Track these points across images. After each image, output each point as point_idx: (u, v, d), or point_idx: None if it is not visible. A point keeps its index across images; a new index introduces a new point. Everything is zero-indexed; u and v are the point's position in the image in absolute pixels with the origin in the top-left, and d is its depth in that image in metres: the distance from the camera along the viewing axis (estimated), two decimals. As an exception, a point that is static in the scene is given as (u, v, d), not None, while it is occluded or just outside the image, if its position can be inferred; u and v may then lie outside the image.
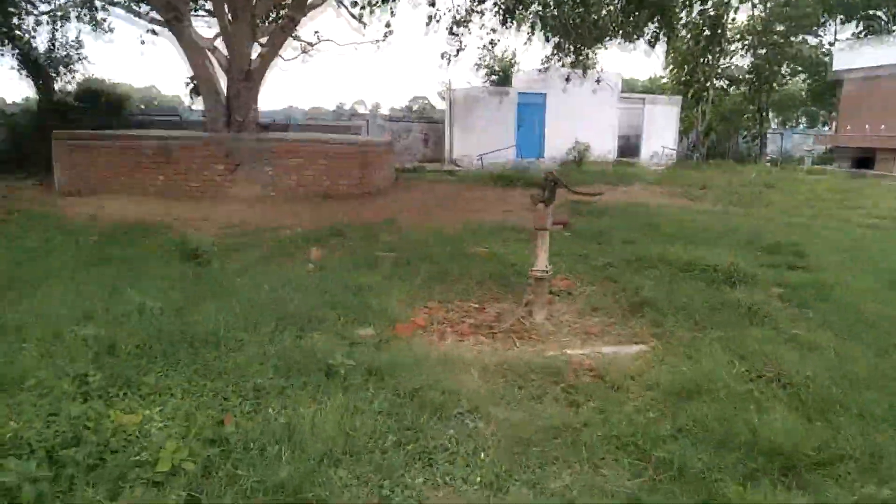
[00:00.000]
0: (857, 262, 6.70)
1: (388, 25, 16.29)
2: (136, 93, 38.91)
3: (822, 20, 25.51)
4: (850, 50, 21.85)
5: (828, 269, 6.25)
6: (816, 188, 15.11)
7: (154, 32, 16.12)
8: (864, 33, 28.50)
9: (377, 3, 15.01)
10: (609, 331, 4.68)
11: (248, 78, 11.93)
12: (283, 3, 12.74)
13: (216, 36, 13.17)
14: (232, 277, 5.48)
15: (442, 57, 14.17)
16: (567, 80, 16.87)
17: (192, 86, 16.37)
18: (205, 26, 18.35)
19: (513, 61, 25.01)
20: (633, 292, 5.30)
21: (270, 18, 14.25)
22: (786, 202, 12.80)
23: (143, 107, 21.98)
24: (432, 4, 15.00)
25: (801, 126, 41.17)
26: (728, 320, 4.60)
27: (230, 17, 11.97)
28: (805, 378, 3.50)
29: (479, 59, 24.08)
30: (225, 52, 12.50)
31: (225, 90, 12.40)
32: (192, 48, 11.71)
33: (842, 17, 28.21)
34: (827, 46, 27.91)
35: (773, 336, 4.26)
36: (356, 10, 13.19)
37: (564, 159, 21.23)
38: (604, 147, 22.58)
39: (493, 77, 25.47)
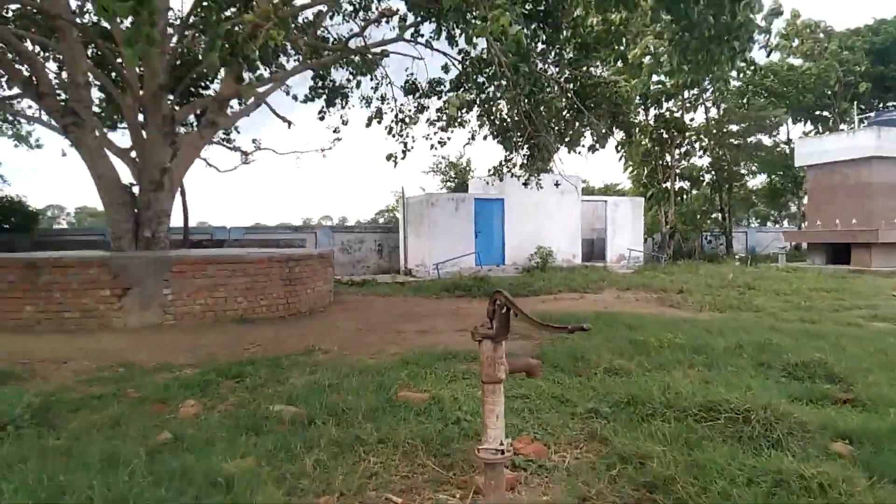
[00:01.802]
0: (916, 389, 5.05)
1: (336, 131, 15.28)
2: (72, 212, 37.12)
3: (776, 119, 25.81)
4: (810, 144, 21.63)
5: (888, 402, 4.57)
6: (801, 287, 13.88)
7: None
8: (812, 132, 29.05)
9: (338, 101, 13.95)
10: (610, 548, 2.84)
11: (159, 187, 10.35)
12: (206, 107, 11.46)
13: (132, 147, 11.76)
14: (17, 468, 3.50)
15: (388, 158, 12.98)
16: (525, 184, 15.85)
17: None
18: (121, 136, 17.01)
19: (468, 168, 24.33)
20: (637, 464, 3.51)
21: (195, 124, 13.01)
22: (774, 305, 11.42)
23: (63, 225, 20.21)
24: (379, 113, 14.09)
25: (752, 224, 41.48)
26: (800, 520, 2.81)
27: (143, 120, 10.61)
28: None
29: (434, 165, 23.32)
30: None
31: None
32: (94, 156, 10.17)
33: (790, 118, 28.77)
34: (782, 145, 28.19)
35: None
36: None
37: (527, 265, 19.93)
38: (568, 251, 21.45)
39: (449, 183, 24.65)
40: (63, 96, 11.05)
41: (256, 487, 3.28)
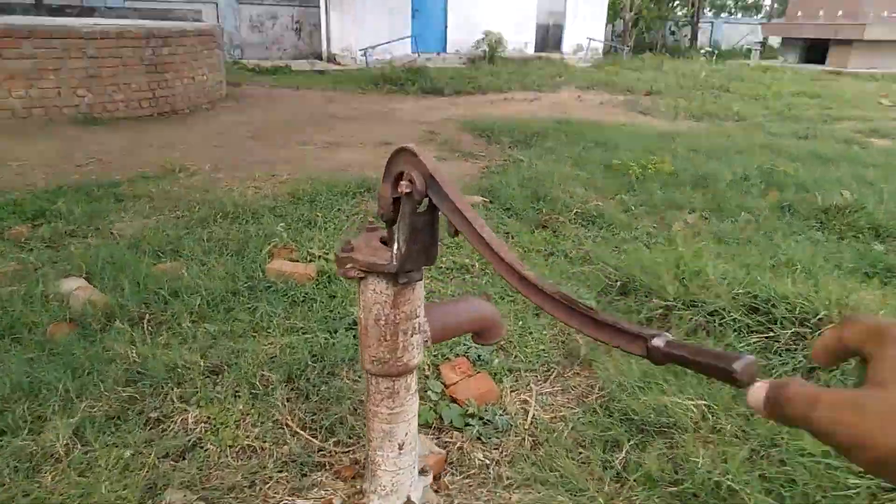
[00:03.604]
0: None
1: None
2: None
3: None
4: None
5: None
6: (780, 90, 12.26)
7: None
8: None
9: None
10: None
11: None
12: None
13: None
14: None
15: None
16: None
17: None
18: None
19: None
20: (660, 439, 1.98)
21: None
22: (756, 112, 9.84)
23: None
24: None
25: (709, 13, 38.44)
26: None
27: None
28: None
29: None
30: None
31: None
32: None
33: None
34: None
35: None
36: None
37: (472, 54, 17.30)
38: (519, 38, 18.72)
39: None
40: None
41: None
